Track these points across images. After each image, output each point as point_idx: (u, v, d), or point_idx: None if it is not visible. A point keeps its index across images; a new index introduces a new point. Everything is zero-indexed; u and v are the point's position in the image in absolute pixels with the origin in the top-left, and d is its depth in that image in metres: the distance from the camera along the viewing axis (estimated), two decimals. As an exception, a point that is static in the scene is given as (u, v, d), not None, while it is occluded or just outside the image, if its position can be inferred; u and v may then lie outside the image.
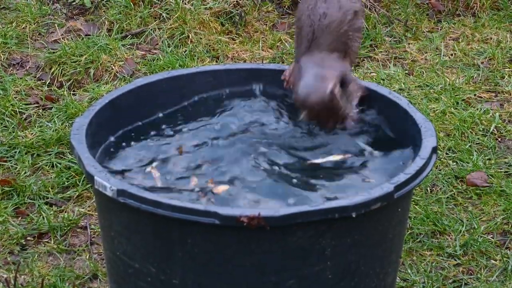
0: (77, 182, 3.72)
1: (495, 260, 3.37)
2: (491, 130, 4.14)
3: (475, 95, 4.44)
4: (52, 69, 4.51)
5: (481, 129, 4.15)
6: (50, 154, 3.87)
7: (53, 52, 4.59)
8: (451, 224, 3.53)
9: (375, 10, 5.03)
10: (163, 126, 2.90)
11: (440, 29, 5.02)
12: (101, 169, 2.54)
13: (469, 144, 4.03)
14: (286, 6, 5.07)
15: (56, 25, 4.84)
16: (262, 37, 4.85)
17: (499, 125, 4.19)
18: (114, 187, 2.48)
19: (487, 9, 5.17)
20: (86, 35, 4.76)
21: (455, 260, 3.38)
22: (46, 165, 3.83)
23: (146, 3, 4.88)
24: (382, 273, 2.64)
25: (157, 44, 4.75)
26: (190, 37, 4.75)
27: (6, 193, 3.67)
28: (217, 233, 2.42)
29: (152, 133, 2.86)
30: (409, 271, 3.30)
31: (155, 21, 4.83)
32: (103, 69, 4.52)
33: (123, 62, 4.55)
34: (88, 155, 2.59)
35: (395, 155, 2.79)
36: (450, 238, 3.48)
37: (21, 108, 4.21)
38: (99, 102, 2.86)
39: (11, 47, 4.65)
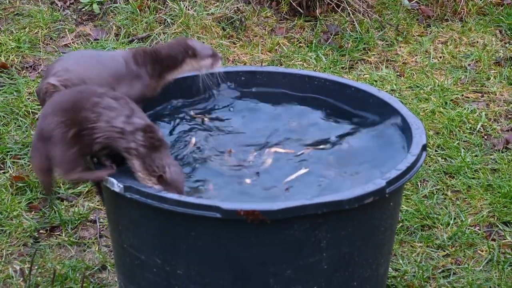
0: (87, 179, 3.72)
1: (482, 251, 3.37)
2: (477, 128, 4.14)
3: (462, 95, 4.44)
4: (63, 72, 4.51)
5: (468, 127, 4.15)
6: (61, 152, 3.87)
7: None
8: (440, 217, 3.53)
9: (368, 15, 5.02)
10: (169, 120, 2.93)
11: (430, 33, 5.02)
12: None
13: (457, 142, 4.03)
14: (284, 12, 5.06)
15: (66, 30, 4.84)
16: (261, 41, 4.84)
17: (485, 124, 4.18)
18: (121, 183, 2.48)
19: (474, 14, 5.17)
20: (94, 40, 4.76)
21: (444, 251, 3.37)
22: (58, 163, 3.82)
23: (151, 9, 4.87)
24: (375, 263, 2.64)
25: (162, 48, 4.74)
26: (193, 41, 4.74)
27: (20, 189, 3.67)
28: (219, 226, 2.42)
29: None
30: (400, 261, 3.29)
31: (160, 26, 4.83)
32: (111, 71, 4.51)
33: (130, 65, 4.55)
34: (97, 153, 2.59)
35: (387, 152, 2.78)
36: (439, 230, 3.47)
37: (34, 109, 4.21)
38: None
39: (24, 51, 4.65)
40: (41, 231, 3.45)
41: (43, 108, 2.59)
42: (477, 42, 4.93)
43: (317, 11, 5.01)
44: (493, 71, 4.66)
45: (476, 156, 3.93)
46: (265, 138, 2.84)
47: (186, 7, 4.86)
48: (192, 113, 2.92)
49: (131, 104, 2.47)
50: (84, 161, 2.49)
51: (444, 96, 4.38)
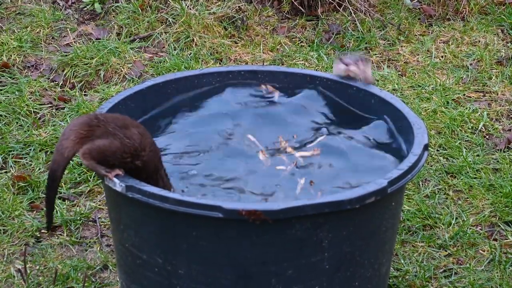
0: (89, 178, 3.72)
1: (483, 251, 3.37)
2: (479, 128, 4.14)
3: (464, 95, 4.43)
4: (65, 71, 4.51)
5: (470, 127, 4.15)
6: (63, 152, 3.86)
7: (66, 55, 4.59)
8: (442, 217, 3.53)
9: (369, 14, 5.02)
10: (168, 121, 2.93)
11: (431, 33, 5.02)
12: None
13: (458, 141, 4.03)
14: (286, 11, 5.06)
15: (68, 29, 4.84)
16: (263, 41, 4.84)
17: (487, 123, 4.18)
18: (123, 183, 2.48)
19: (476, 13, 5.16)
20: (96, 39, 4.76)
21: (446, 250, 3.37)
22: (59, 162, 3.82)
23: (153, 9, 4.88)
24: (377, 263, 2.64)
25: (164, 47, 4.75)
26: (195, 40, 4.74)
27: (21, 189, 3.67)
28: (221, 226, 2.42)
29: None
30: (402, 261, 3.29)
31: (162, 25, 4.83)
32: (112, 71, 4.52)
33: (131, 64, 4.55)
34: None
35: (388, 151, 2.79)
36: (441, 230, 3.47)
37: (36, 108, 4.21)
38: (109, 101, 2.86)
39: (26, 51, 4.65)
40: (42, 231, 3.45)
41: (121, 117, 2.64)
42: (479, 41, 4.93)
43: (319, 10, 5.01)
44: (494, 70, 4.66)
45: (477, 155, 3.93)
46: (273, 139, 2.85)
47: (188, 6, 4.86)
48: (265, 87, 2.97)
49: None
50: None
51: (446, 95, 4.38)
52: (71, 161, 3.79)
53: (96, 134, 2.51)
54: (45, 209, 2.67)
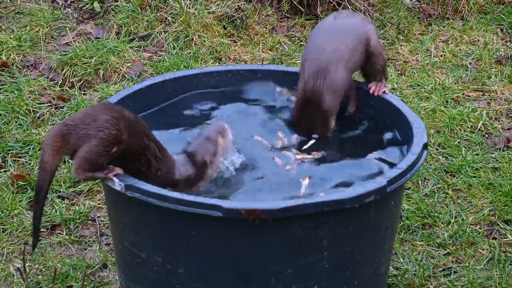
0: (88, 177, 3.72)
1: (482, 250, 3.37)
2: (478, 127, 4.14)
3: (463, 94, 4.43)
4: (64, 70, 4.51)
5: (469, 126, 4.14)
6: (62, 151, 3.86)
7: (65, 54, 4.59)
8: (441, 216, 3.53)
9: (368, 13, 5.02)
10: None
11: (431, 32, 5.02)
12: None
13: (458, 140, 4.03)
14: (285, 10, 5.06)
15: (67, 28, 4.84)
16: (262, 40, 4.84)
17: (486, 122, 4.18)
18: (122, 182, 2.48)
19: (475, 12, 5.16)
20: (96, 38, 4.75)
21: (445, 249, 3.37)
22: (59, 161, 3.82)
23: (152, 8, 4.87)
24: (376, 262, 2.64)
25: (163, 46, 4.74)
26: (194, 39, 4.74)
27: (21, 187, 3.67)
28: (220, 225, 2.42)
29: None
30: (401, 260, 3.29)
31: (161, 24, 4.83)
32: (112, 70, 4.51)
33: (130, 64, 4.55)
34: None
35: (388, 150, 2.79)
36: (440, 229, 3.47)
37: (35, 107, 4.21)
38: (108, 100, 2.86)
39: (25, 50, 4.65)
40: (42, 230, 3.45)
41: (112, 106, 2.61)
42: (478, 40, 4.92)
43: (318, 9, 5.01)
44: (494, 69, 4.66)
45: (477, 154, 3.93)
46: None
47: (187, 5, 4.86)
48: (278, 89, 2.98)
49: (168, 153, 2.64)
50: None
51: (445, 94, 4.38)
52: (70, 160, 3.79)
53: (71, 142, 2.50)
54: (32, 226, 2.66)
